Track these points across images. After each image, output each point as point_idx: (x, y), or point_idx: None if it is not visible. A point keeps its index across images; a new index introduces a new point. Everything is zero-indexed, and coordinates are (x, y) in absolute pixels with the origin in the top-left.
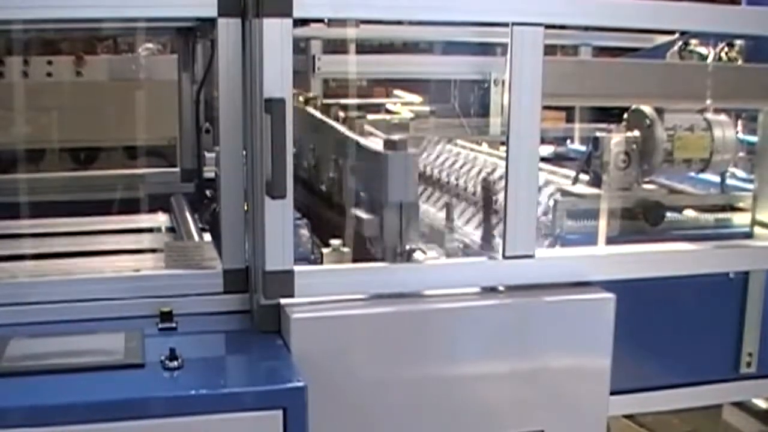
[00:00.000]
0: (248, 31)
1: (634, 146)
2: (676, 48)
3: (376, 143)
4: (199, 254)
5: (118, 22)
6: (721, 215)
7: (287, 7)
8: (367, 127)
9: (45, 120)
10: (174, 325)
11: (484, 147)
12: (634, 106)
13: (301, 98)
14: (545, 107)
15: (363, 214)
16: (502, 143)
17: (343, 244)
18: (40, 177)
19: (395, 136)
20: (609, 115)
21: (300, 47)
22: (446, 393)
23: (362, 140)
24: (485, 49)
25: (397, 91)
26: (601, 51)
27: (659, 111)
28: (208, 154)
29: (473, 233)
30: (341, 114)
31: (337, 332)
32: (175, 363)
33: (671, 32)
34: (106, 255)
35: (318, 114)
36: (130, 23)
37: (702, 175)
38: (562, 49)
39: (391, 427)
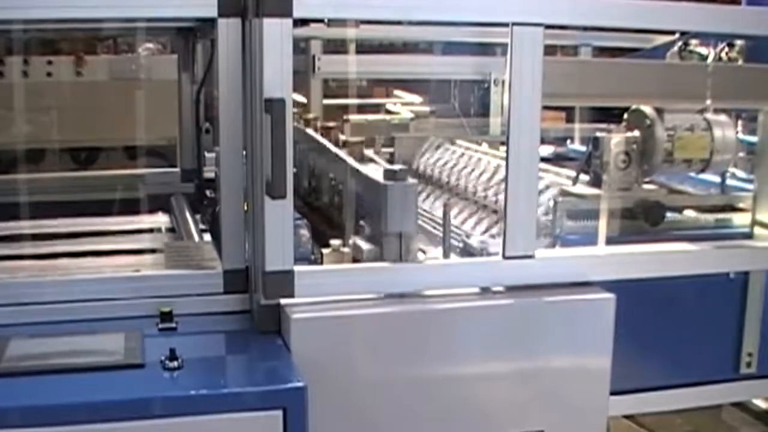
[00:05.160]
0: (248, 31)
1: (634, 146)
2: (676, 48)
3: (376, 171)
4: (199, 254)
5: (118, 22)
6: (721, 215)
7: (287, 7)
8: (367, 152)
9: (45, 120)
10: (174, 325)
11: (484, 147)
12: (634, 106)
13: (302, 120)
14: (545, 107)
15: (363, 244)
16: (502, 143)
17: (343, 245)
18: (40, 177)
19: (396, 166)
20: (609, 115)
21: (300, 47)
22: (446, 393)
23: (362, 168)
24: (485, 49)
25: (397, 91)
26: (601, 51)
27: (659, 111)
28: (208, 154)
29: (472, 232)
30: (341, 137)
31: (337, 332)
32: (175, 363)
33: (671, 32)
34: (106, 255)
35: (318, 137)
36: (130, 23)
37: (702, 175)
38: (562, 49)
39: (391, 427)
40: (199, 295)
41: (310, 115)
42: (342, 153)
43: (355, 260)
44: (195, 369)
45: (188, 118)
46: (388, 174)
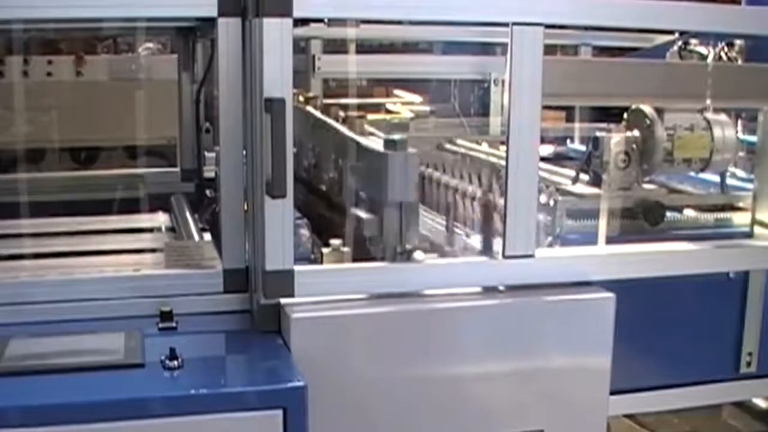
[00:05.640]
0: (248, 31)
1: (634, 146)
2: (676, 48)
3: (376, 143)
4: (199, 254)
5: (118, 22)
6: (721, 215)
7: (287, 6)
8: (367, 127)
9: (45, 120)
10: (174, 324)
11: (484, 147)
12: (634, 106)
13: (301, 98)
14: (545, 107)
15: (363, 214)
16: (502, 143)
17: (343, 244)
18: (40, 177)
19: (395, 136)
20: (609, 115)
21: (300, 47)
22: (446, 393)
23: (362, 140)
24: (485, 49)
25: (397, 91)
26: (601, 51)
27: (659, 111)
28: (208, 154)
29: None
30: (341, 114)
31: (337, 332)
32: (175, 363)
33: (671, 32)
34: (106, 255)
35: (318, 114)
36: (130, 23)
37: (702, 175)
38: (562, 49)
39: (391, 426)
40: (198, 295)
41: (310, 94)
42: (342, 127)
43: (356, 232)
44: (195, 368)
45: (188, 118)
46: (389, 144)
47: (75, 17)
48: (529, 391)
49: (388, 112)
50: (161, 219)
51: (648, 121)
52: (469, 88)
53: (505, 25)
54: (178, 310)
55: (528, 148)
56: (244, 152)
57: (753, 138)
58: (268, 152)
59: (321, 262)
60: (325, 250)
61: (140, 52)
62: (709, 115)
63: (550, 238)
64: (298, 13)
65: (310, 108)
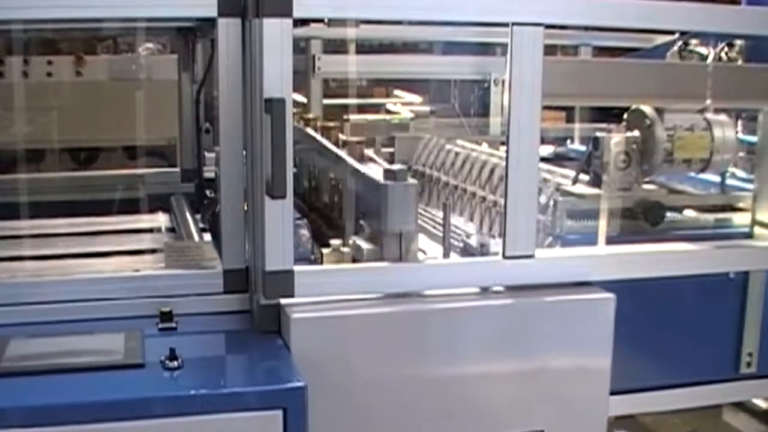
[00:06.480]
0: (248, 31)
1: (634, 146)
2: (676, 48)
3: (376, 171)
4: (199, 254)
5: (118, 22)
6: (721, 215)
7: (287, 7)
8: (367, 152)
9: (45, 120)
10: (174, 325)
11: (484, 147)
12: (634, 106)
13: (301, 120)
14: (545, 107)
15: (362, 243)
16: (502, 143)
17: (343, 244)
18: (40, 177)
19: (395, 166)
20: (609, 115)
21: (300, 47)
22: (446, 393)
23: (362, 168)
24: (485, 49)
25: (397, 91)
26: (601, 51)
27: (659, 111)
28: (208, 154)
29: (472, 232)
30: (341, 137)
31: (337, 332)
32: (175, 363)
33: (671, 32)
34: (106, 255)
35: (318, 136)
36: (130, 23)
37: (702, 175)
38: (562, 49)
39: (391, 426)
40: (199, 295)
41: (310, 115)
42: (342, 153)
43: (354, 260)
44: (195, 369)
45: (188, 118)
46: (388, 174)
47: (75, 17)
48: (530, 392)
49: (388, 112)
50: (161, 219)
51: (648, 122)
52: (469, 89)
53: (505, 25)
54: (178, 310)
55: (528, 148)
56: (244, 152)
57: (753, 138)
58: (268, 152)
59: (321, 263)
60: (325, 250)
61: (140, 53)
62: (710, 115)
63: (550, 239)
64: (298, 13)
65: (309, 130)
